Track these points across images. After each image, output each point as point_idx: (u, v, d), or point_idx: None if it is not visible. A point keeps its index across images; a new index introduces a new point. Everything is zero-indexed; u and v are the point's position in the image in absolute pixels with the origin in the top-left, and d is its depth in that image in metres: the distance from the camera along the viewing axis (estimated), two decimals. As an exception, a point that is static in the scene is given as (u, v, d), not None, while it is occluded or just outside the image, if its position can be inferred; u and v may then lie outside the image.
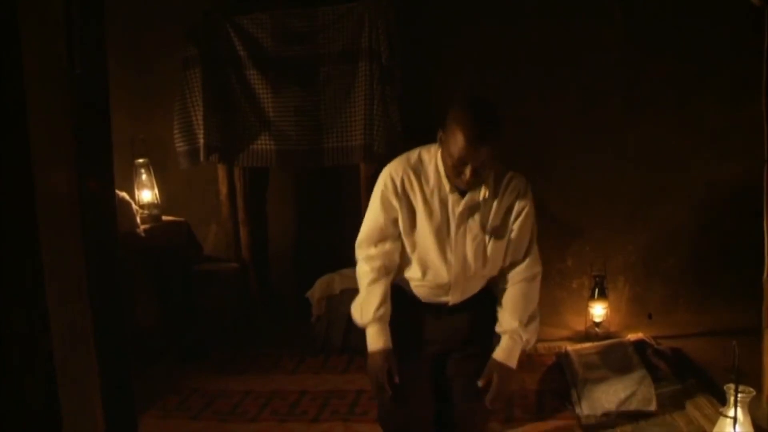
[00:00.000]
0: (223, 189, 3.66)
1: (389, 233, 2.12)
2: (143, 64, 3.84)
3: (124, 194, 3.05)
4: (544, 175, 3.50)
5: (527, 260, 2.15)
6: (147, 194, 3.36)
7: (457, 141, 1.90)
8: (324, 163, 3.44)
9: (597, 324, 3.36)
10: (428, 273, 2.16)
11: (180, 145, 3.51)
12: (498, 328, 2.15)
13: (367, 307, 2.11)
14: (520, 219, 2.11)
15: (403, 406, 2.05)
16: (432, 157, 2.09)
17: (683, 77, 3.35)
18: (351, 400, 2.69)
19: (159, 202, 3.39)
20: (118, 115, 1.15)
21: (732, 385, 1.87)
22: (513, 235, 2.12)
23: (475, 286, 2.20)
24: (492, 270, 2.16)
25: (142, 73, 3.83)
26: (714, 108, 3.35)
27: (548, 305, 3.53)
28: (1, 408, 0.89)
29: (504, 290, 2.17)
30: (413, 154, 2.13)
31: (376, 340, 2.10)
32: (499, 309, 2.17)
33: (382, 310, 2.10)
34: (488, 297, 2.23)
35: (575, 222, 3.52)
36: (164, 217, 3.41)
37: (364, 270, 2.14)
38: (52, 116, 0.90)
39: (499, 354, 2.11)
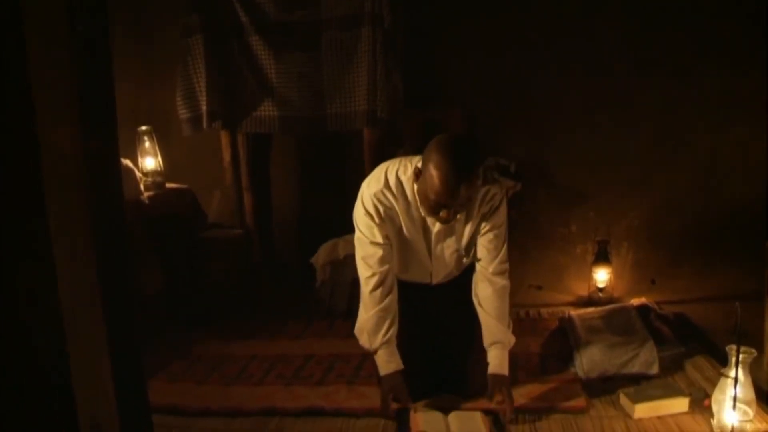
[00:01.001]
0: (227, 156, 3.65)
1: (388, 250, 2.20)
2: (144, 32, 3.81)
3: (127, 162, 3.04)
4: (547, 141, 3.52)
5: (500, 257, 2.23)
6: (150, 162, 3.35)
7: (434, 185, 1.93)
8: (327, 129, 3.42)
9: (600, 289, 3.38)
10: (410, 271, 2.33)
11: (183, 112, 3.49)
12: (489, 339, 2.23)
13: (375, 334, 2.20)
14: (495, 222, 2.19)
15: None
16: (409, 180, 2.14)
17: (685, 46, 3.34)
18: (356, 363, 2.71)
19: (162, 169, 3.38)
20: (119, 83, 1.13)
21: (734, 346, 1.88)
22: (487, 236, 2.21)
23: (455, 274, 2.38)
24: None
25: (143, 41, 3.80)
26: (717, 76, 3.34)
27: (552, 271, 3.56)
28: (12, 361, 0.90)
29: (482, 287, 2.26)
30: (391, 174, 2.16)
31: (387, 363, 2.20)
32: (480, 311, 2.26)
33: (390, 333, 2.20)
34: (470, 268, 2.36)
35: (579, 187, 3.52)
36: (168, 185, 3.40)
37: (367, 290, 2.21)
38: (54, 73, 0.90)
39: (494, 368, 2.20)
